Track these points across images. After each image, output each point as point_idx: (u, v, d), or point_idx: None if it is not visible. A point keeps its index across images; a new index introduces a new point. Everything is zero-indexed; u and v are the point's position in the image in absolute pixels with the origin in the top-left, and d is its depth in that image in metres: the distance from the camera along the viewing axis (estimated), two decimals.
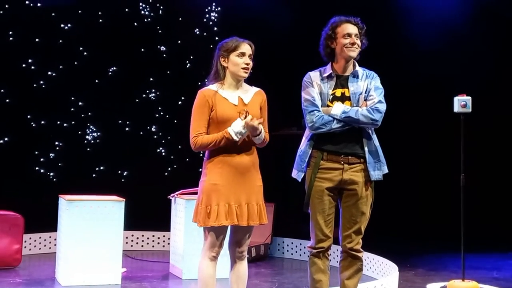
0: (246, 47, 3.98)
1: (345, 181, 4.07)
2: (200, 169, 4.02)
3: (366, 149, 4.09)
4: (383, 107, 4.08)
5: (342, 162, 4.07)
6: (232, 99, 3.95)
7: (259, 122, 3.85)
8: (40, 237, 7.31)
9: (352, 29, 4.10)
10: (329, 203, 4.09)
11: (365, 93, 4.11)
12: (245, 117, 3.86)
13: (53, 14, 8.10)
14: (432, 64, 8.98)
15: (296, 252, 7.50)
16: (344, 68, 4.14)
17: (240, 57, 3.95)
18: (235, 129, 3.84)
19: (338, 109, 4.03)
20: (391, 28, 8.92)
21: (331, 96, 4.11)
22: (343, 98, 4.09)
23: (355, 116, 4.00)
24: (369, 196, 4.12)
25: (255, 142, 3.95)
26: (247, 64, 3.96)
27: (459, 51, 8.84)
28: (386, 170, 4.16)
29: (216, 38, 8.38)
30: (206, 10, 8.92)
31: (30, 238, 7.20)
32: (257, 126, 3.84)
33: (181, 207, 6.24)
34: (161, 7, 8.71)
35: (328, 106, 4.09)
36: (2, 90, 7.85)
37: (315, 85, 4.13)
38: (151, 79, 8.63)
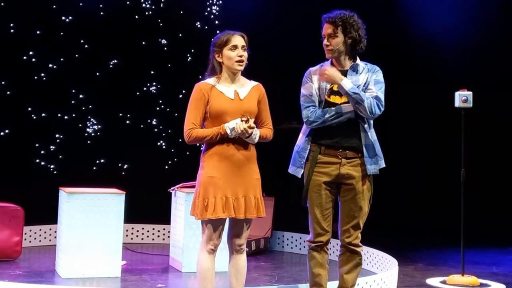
0: (237, 39, 3.95)
1: (343, 176, 4.06)
2: None
3: (363, 143, 4.07)
4: (382, 103, 4.03)
5: (339, 157, 4.06)
6: (228, 93, 3.94)
7: (250, 125, 3.83)
8: (40, 229, 7.31)
9: (324, 30, 4.06)
10: (326, 197, 4.09)
11: (363, 86, 4.07)
12: (247, 122, 3.85)
13: (54, 6, 8.09)
14: (434, 58, 8.97)
15: (296, 246, 7.51)
16: (343, 62, 4.11)
17: (233, 50, 3.93)
18: (231, 126, 3.84)
19: (349, 84, 3.99)
20: (393, 21, 8.91)
21: (329, 91, 4.09)
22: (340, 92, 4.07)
23: (363, 97, 3.95)
24: (367, 190, 4.11)
25: (248, 142, 3.95)
26: (241, 56, 3.94)
27: (462, 45, 8.83)
28: (383, 165, 4.14)
29: (217, 31, 8.36)
30: (208, 3, 8.90)
31: (30, 230, 7.20)
32: (244, 131, 3.83)
33: (181, 200, 6.25)
34: (162, 0, 8.69)
35: (326, 100, 4.08)
36: (2, 82, 7.85)
37: (314, 80, 4.11)
38: (151, 72, 8.63)
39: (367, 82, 4.08)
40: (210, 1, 8.92)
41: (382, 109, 4.04)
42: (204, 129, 3.92)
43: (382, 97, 4.05)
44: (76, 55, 8.21)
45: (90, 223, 5.73)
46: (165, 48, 8.70)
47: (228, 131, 3.85)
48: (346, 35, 4.04)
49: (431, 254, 7.48)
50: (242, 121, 3.84)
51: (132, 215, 6.73)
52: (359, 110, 3.99)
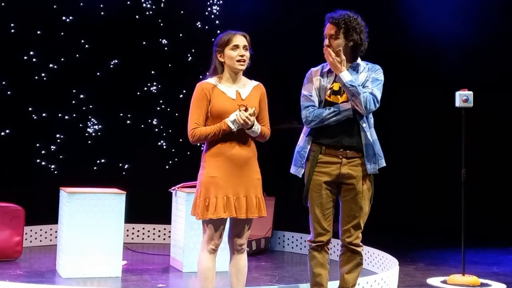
0: (239, 39, 3.96)
1: (343, 175, 4.06)
2: None
3: (363, 142, 4.07)
4: (378, 100, 4.03)
5: (340, 156, 4.06)
6: (230, 93, 3.95)
7: (250, 113, 3.84)
8: (41, 229, 7.31)
9: (327, 30, 4.06)
10: (327, 197, 4.08)
11: (362, 85, 4.05)
12: (246, 110, 3.85)
13: (54, 6, 8.10)
14: (434, 58, 8.97)
15: (297, 245, 7.51)
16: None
17: (234, 50, 3.93)
18: (232, 119, 3.85)
19: (348, 76, 3.99)
20: (393, 21, 8.91)
21: (329, 91, 4.09)
22: (341, 92, 4.07)
23: (359, 90, 3.94)
24: (368, 190, 4.11)
25: (251, 135, 3.95)
26: (242, 56, 3.94)
27: (462, 45, 8.83)
28: (383, 164, 4.14)
29: (218, 31, 8.36)
30: (208, 3, 8.90)
31: (31, 230, 7.21)
32: (246, 119, 3.83)
33: (182, 200, 6.25)
34: (163, 0, 8.69)
35: (326, 100, 4.08)
36: (3, 82, 7.85)
37: (314, 81, 4.11)
38: (152, 72, 8.63)
39: (366, 81, 4.08)
40: (211, 1, 8.91)
41: (378, 105, 4.03)
42: (206, 127, 3.91)
43: (378, 94, 4.04)
44: (77, 55, 8.21)
45: (90, 223, 5.74)
46: (166, 48, 8.70)
47: (230, 124, 3.84)
48: (347, 38, 4.03)
49: (432, 254, 7.48)
50: (240, 111, 3.84)
51: (133, 215, 6.74)
52: (355, 104, 3.98)
